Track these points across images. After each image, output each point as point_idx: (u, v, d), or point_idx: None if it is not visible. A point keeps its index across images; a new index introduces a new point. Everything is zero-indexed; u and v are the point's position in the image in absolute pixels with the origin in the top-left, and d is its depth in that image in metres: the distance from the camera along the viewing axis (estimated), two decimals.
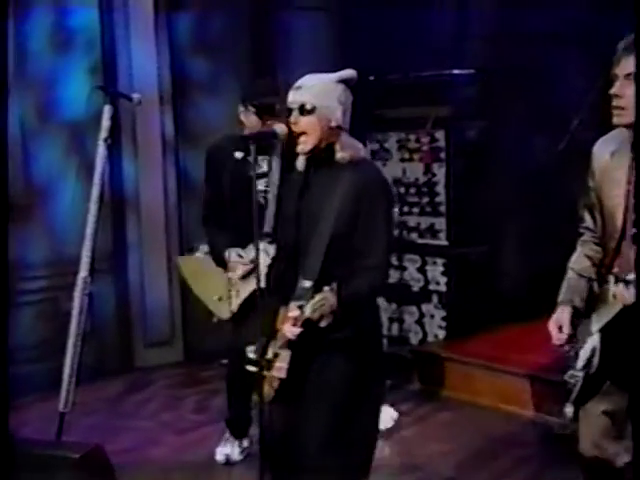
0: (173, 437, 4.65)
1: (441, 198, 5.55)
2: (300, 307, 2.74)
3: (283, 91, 3.31)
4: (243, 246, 3.97)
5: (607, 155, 2.81)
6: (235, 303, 4.02)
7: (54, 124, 5.58)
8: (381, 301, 5.48)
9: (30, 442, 3.67)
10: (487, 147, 5.57)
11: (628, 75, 2.66)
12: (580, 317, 2.87)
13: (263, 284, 2.93)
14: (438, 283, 5.59)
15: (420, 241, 5.67)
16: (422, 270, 5.67)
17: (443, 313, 5.58)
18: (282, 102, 3.23)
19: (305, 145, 2.89)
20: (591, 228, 2.95)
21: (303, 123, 2.88)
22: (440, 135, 5.51)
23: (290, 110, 2.92)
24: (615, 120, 2.72)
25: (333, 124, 2.89)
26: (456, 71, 5.46)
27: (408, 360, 5.44)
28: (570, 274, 2.97)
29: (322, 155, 2.91)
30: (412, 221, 5.72)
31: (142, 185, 5.95)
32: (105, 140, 3.88)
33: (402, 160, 5.73)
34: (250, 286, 3.85)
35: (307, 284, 2.80)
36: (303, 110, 2.88)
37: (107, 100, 3.90)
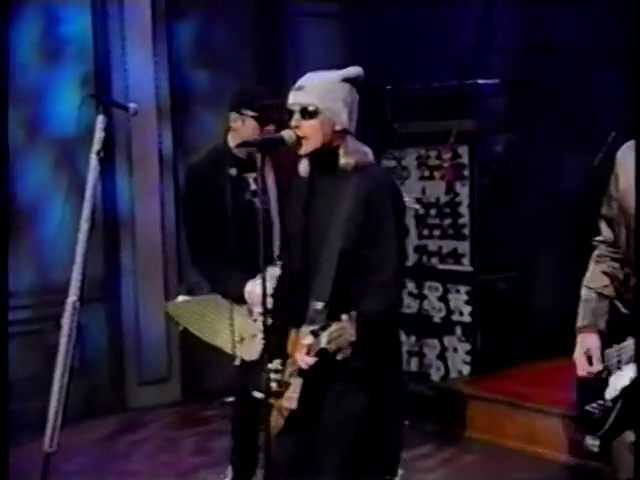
0: None
1: (464, 220, 5.53)
2: (314, 333, 2.68)
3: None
4: (254, 275, 3.79)
5: (633, 162, 2.73)
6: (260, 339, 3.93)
7: (42, 140, 5.59)
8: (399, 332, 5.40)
9: None
10: (515, 164, 5.56)
11: None
12: (604, 342, 2.80)
13: (270, 305, 2.86)
14: (462, 313, 5.55)
15: (442, 267, 5.65)
16: (444, 299, 5.63)
17: (467, 347, 5.54)
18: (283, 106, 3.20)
19: (307, 147, 2.86)
20: (609, 242, 2.90)
21: (305, 127, 2.85)
22: (463, 151, 5.50)
23: (290, 112, 2.88)
24: None
25: (338, 128, 2.87)
26: (481, 81, 5.45)
27: (429, 398, 5.38)
28: (588, 294, 2.91)
29: (325, 161, 2.88)
30: (433, 245, 5.69)
31: (137, 206, 5.94)
32: (97, 153, 3.81)
33: (422, 178, 5.72)
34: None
35: (319, 306, 2.76)
36: (305, 113, 2.85)
37: (100, 110, 3.84)
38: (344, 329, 2.62)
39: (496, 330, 5.49)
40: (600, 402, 2.74)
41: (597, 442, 2.73)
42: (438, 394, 5.40)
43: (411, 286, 5.73)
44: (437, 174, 5.62)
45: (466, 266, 5.54)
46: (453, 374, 5.58)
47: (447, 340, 5.62)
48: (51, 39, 5.66)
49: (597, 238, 2.97)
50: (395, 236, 2.81)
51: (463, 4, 5.91)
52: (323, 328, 2.66)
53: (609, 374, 2.75)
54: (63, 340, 3.74)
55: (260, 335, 3.72)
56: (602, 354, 2.81)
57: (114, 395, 5.88)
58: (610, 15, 5.41)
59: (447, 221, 5.59)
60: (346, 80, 2.89)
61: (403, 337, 5.65)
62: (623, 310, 2.80)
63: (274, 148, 3.13)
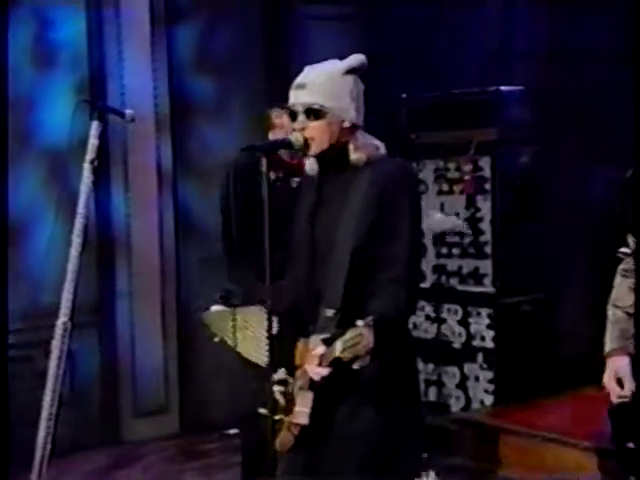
0: None
1: (486, 237, 5.50)
2: (326, 341, 2.66)
3: None
4: None
5: None
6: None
7: (32, 150, 5.59)
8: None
9: None
10: (540, 176, 5.53)
11: None
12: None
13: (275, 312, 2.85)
14: (483, 338, 5.52)
15: (461, 288, 5.61)
16: (464, 323, 5.59)
17: (490, 375, 5.49)
18: None
19: (315, 147, 2.86)
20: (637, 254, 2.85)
21: (312, 128, 2.85)
22: (485, 163, 5.48)
23: (293, 113, 2.88)
24: None
25: (346, 124, 2.87)
26: (503, 88, 5.44)
27: (449, 431, 5.31)
28: (616, 314, 2.84)
29: (335, 158, 2.88)
30: (452, 264, 5.66)
31: (134, 222, 5.93)
32: (91, 162, 3.82)
33: (440, 192, 5.69)
34: None
35: (330, 313, 2.75)
36: (310, 113, 2.85)
37: (94, 116, 3.83)
38: (361, 336, 2.58)
39: (521, 356, 5.45)
40: None
41: None
42: (460, 427, 5.33)
43: (429, 309, 5.70)
44: (456, 188, 5.59)
45: (488, 287, 5.50)
46: (475, 404, 5.53)
47: (468, 368, 5.57)
48: (43, 44, 5.67)
49: (623, 250, 2.89)
50: (409, 232, 2.79)
51: (483, 6, 5.92)
52: (336, 336, 2.63)
53: None
54: (52, 364, 3.71)
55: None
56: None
57: (107, 427, 5.84)
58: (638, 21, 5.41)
59: (467, 239, 5.56)
60: (350, 71, 2.88)
61: (420, 364, 5.60)
62: None
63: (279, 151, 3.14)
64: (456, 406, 5.61)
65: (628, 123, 5.22)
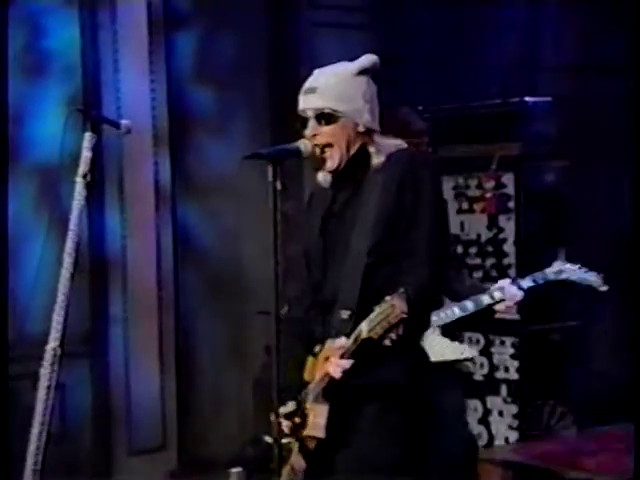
0: None
1: (510, 259, 5.47)
2: (346, 335, 2.71)
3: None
4: None
5: None
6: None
7: (21, 166, 5.58)
8: None
9: None
10: (568, 194, 5.52)
11: None
12: None
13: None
14: (507, 370, 5.48)
15: None
16: (486, 352, 5.55)
17: (515, 409, 5.45)
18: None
19: (332, 161, 2.88)
20: None
21: (325, 135, 2.90)
22: (508, 179, 5.46)
23: (303, 120, 2.91)
24: None
25: (361, 128, 2.90)
26: (528, 99, 5.43)
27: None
28: None
29: (352, 167, 2.91)
30: None
31: (129, 245, 5.92)
32: (84, 176, 3.80)
33: (460, 211, 5.68)
34: None
35: (345, 314, 2.78)
36: (322, 118, 2.88)
37: (88, 126, 3.82)
38: (392, 307, 2.62)
39: (548, 390, 5.40)
40: None
41: None
42: (482, 465, 5.24)
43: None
44: (478, 206, 5.58)
45: (512, 313, 5.29)
46: (498, 441, 5.49)
47: (490, 401, 5.53)
48: (33, 53, 5.67)
49: None
50: (430, 217, 2.83)
51: (505, 13, 5.94)
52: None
53: None
54: (41, 393, 3.67)
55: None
56: None
57: (99, 464, 5.80)
58: None
59: (490, 261, 5.54)
60: (361, 72, 2.91)
61: None
62: None
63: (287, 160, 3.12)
64: (478, 443, 5.43)
65: None
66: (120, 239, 5.88)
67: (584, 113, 5.57)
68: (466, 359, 4.25)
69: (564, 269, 4.02)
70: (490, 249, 5.52)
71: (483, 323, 4.19)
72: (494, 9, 5.94)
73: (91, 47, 5.81)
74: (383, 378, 2.78)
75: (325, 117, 2.86)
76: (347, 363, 2.74)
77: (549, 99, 5.45)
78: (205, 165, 6.05)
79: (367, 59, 2.94)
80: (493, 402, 5.50)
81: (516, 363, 5.41)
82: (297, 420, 2.76)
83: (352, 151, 2.89)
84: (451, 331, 4.08)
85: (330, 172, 2.91)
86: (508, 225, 5.45)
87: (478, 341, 5.55)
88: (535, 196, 5.45)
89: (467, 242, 5.62)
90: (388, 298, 2.66)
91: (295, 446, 2.78)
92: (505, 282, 3.93)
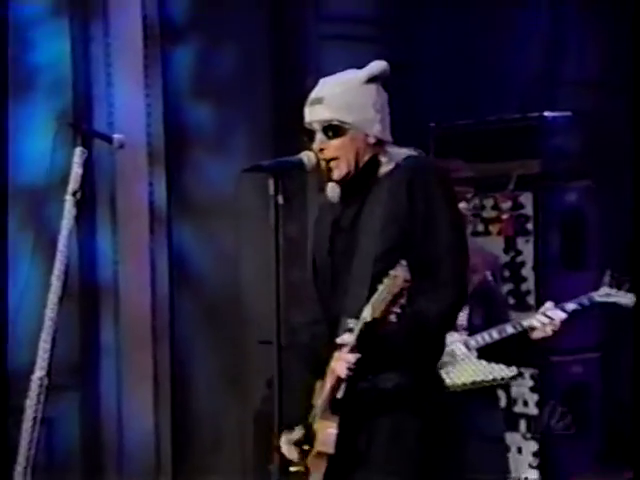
0: None
1: (529, 285, 5.47)
2: (349, 330, 2.74)
3: None
4: None
5: None
6: None
7: (7, 185, 5.54)
8: None
9: None
10: (591, 215, 5.52)
11: None
12: None
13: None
14: (526, 404, 5.45)
15: None
16: (504, 385, 5.29)
17: (535, 446, 5.41)
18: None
19: (339, 171, 2.89)
20: None
21: (333, 148, 2.92)
22: (526, 199, 5.46)
23: (309, 132, 2.92)
24: None
25: (371, 140, 2.91)
26: (548, 114, 5.44)
27: None
28: None
29: (361, 179, 2.92)
30: None
31: (122, 269, 5.92)
32: (74, 194, 3.83)
33: (475, 234, 5.58)
34: None
35: (352, 324, 2.77)
36: (330, 130, 2.89)
37: (78, 141, 3.85)
38: (395, 277, 2.62)
39: (572, 424, 5.38)
40: None
41: None
42: None
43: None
44: (494, 228, 5.57)
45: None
46: None
47: (509, 438, 5.31)
48: (21, 67, 5.67)
49: None
50: (449, 228, 2.82)
51: (524, 22, 5.96)
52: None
53: None
54: (26, 426, 3.69)
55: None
56: None
57: None
58: None
59: (507, 287, 5.49)
60: (371, 80, 2.91)
61: None
62: None
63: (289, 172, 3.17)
64: None
65: None
66: (112, 263, 5.88)
67: (607, 129, 5.60)
68: (509, 377, 4.25)
69: (611, 293, 4.04)
70: (507, 274, 5.49)
71: (522, 354, 4.20)
72: (511, 18, 5.97)
73: (82, 60, 5.84)
74: (391, 383, 2.78)
75: (333, 129, 2.87)
76: (353, 357, 2.73)
77: (570, 114, 5.47)
78: (203, 184, 6.04)
79: (376, 66, 2.94)
80: (512, 439, 5.40)
81: (535, 397, 5.39)
82: (306, 447, 2.76)
83: (361, 163, 2.89)
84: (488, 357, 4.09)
85: (337, 183, 2.91)
86: (526, 248, 5.45)
87: None
88: (555, 217, 5.46)
89: None
90: (391, 272, 2.66)
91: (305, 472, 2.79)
92: (549, 304, 3.99)
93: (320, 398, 2.80)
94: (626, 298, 4.05)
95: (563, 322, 3.97)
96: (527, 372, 5.39)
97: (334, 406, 2.73)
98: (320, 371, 2.84)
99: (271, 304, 2.85)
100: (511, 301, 5.46)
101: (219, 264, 6.11)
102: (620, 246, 5.56)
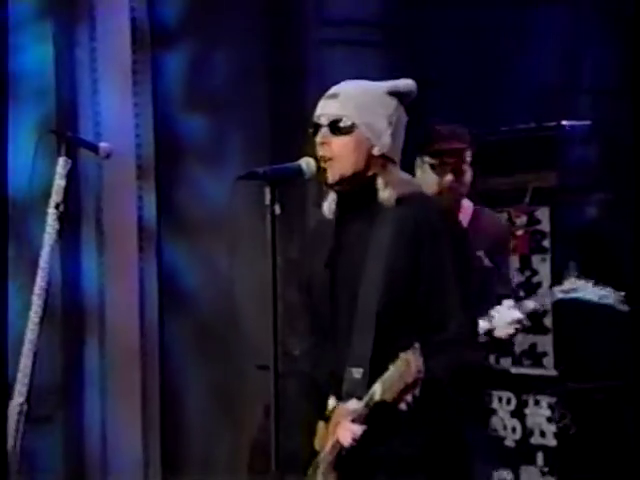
0: None
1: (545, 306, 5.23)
2: (358, 397, 2.76)
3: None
4: None
5: None
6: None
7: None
8: None
9: None
10: (613, 231, 5.50)
11: None
12: None
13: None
14: (544, 435, 5.39)
15: (515, 370, 5.51)
16: (519, 414, 5.47)
17: None
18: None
19: (332, 173, 2.92)
20: None
21: (335, 145, 2.94)
22: (543, 214, 5.44)
23: (317, 126, 2.96)
24: None
25: (376, 151, 2.95)
26: (566, 123, 5.42)
27: None
28: None
29: (358, 194, 2.96)
30: None
31: (108, 291, 5.92)
32: (57, 207, 3.82)
33: None
34: None
35: (358, 374, 2.81)
36: (336, 126, 2.94)
37: (62, 150, 3.84)
38: (408, 364, 2.65)
39: (592, 458, 5.31)
40: None
41: None
42: None
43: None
44: None
45: (549, 369, 5.42)
46: None
47: (525, 471, 5.44)
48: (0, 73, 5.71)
49: None
50: (457, 281, 2.86)
51: (541, 26, 5.98)
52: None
53: None
54: (4, 457, 3.62)
55: None
56: None
57: None
58: None
59: None
60: (393, 94, 2.98)
61: None
62: None
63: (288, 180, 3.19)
64: None
65: None
66: (98, 282, 5.88)
67: (629, 140, 5.50)
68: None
69: (577, 287, 3.98)
70: (522, 294, 5.30)
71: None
72: (527, 21, 5.98)
73: (67, 66, 5.85)
74: (399, 450, 2.80)
75: (339, 126, 2.92)
76: (359, 429, 2.76)
77: (589, 123, 5.46)
78: (196, 199, 6.06)
79: (403, 82, 3.03)
80: (528, 472, 5.43)
81: (553, 427, 5.35)
82: None
83: (363, 177, 2.92)
84: None
85: (331, 187, 2.95)
86: (543, 267, 5.42)
87: (509, 401, 5.49)
88: (574, 233, 5.44)
89: None
90: (402, 354, 2.69)
91: None
92: (508, 302, 4.01)
93: (323, 452, 2.83)
94: (605, 292, 3.97)
95: (519, 323, 3.99)
96: (544, 400, 5.37)
97: (337, 465, 2.78)
98: (322, 405, 2.87)
99: (268, 327, 2.84)
100: (526, 322, 5.47)
101: (213, 284, 6.10)
102: None
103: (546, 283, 5.39)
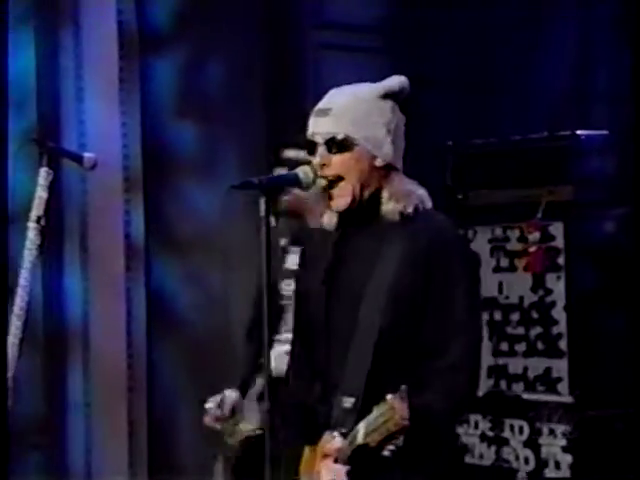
0: None
1: (561, 328, 5.42)
2: (343, 434, 2.76)
3: None
4: None
5: None
6: None
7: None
8: None
9: None
10: (632, 248, 5.43)
11: None
12: None
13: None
14: (559, 466, 5.38)
15: (528, 397, 5.51)
16: (532, 444, 5.46)
17: None
18: None
19: (343, 200, 2.94)
20: None
21: (335, 165, 2.95)
22: (557, 230, 5.43)
23: (312, 144, 2.98)
24: None
25: (379, 162, 2.96)
26: (581, 132, 5.42)
27: None
28: None
29: (363, 209, 2.97)
30: (515, 365, 5.59)
31: (93, 312, 5.90)
32: (37, 221, 3.82)
33: (497, 269, 5.65)
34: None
35: (348, 403, 2.81)
36: (333, 145, 2.95)
37: (44, 161, 3.85)
38: (392, 410, 2.64)
39: None
40: None
41: None
42: None
43: (484, 426, 5.59)
44: (520, 263, 5.53)
45: (564, 396, 5.39)
46: None
47: None
48: None
49: None
50: (466, 307, 2.87)
51: (554, 29, 6.00)
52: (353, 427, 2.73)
53: None
54: None
55: None
56: None
57: None
58: None
59: (535, 330, 5.48)
60: (387, 96, 2.98)
61: None
62: None
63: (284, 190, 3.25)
64: None
65: None
66: (82, 303, 5.86)
67: None
68: None
69: None
70: (535, 316, 5.48)
71: None
72: (538, 22, 5.99)
73: (50, 73, 5.85)
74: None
75: (337, 144, 2.93)
76: (341, 469, 2.76)
77: (606, 133, 5.46)
78: (186, 214, 6.06)
79: (395, 81, 3.02)
80: None
81: (569, 458, 5.34)
82: None
83: (367, 190, 2.94)
84: None
85: (341, 211, 2.96)
86: (557, 286, 5.41)
87: (522, 429, 5.49)
88: (590, 250, 5.43)
89: (507, 307, 5.57)
90: (389, 398, 2.68)
91: None
92: None
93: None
94: None
95: None
96: (559, 429, 5.37)
97: None
98: (313, 437, 2.87)
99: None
100: (541, 346, 5.46)
101: (205, 306, 6.10)
102: None
103: (560, 303, 5.39)
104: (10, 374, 3.76)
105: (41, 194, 3.79)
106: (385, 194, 2.96)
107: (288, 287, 3.82)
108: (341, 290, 2.96)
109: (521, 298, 5.53)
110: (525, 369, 5.51)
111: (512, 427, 5.52)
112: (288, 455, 2.94)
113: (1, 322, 3.54)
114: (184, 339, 6.04)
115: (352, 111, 2.95)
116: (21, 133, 5.64)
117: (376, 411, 2.68)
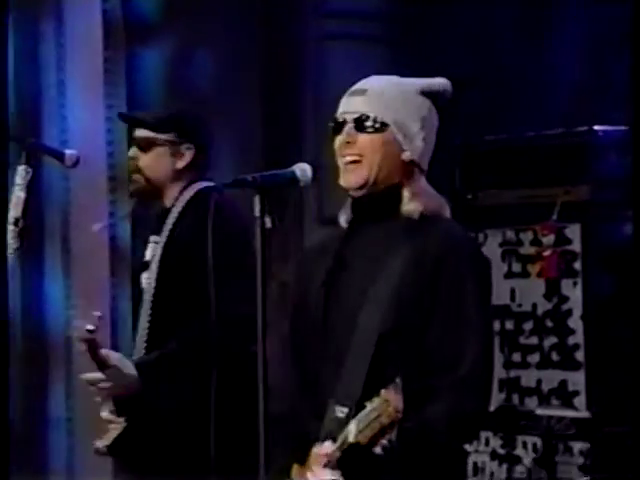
0: None
1: (577, 338, 5.41)
2: (333, 439, 2.78)
3: None
4: None
5: None
6: None
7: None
8: None
9: None
10: None
11: None
12: None
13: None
14: None
15: (542, 412, 5.49)
16: (547, 462, 5.44)
17: None
18: None
19: (358, 176, 2.94)
20: None
21: (362, 144, 2.97)
22: (573, 232, 5.43)
23: (339, 124, 2.98)
24: None
25: (406, 156, 2.99)
26: (598, 128, 5.43)
27: None
28: None
29: (378, 205, 2.99)
30: (528, 378, 5.56)
31: (77, 323, 5.66)
32: (16, 223, 3.85)
33: (509, 275, 5.63)
34: None
35: (342, 412, 2.83)
36: (363, 124, 2.96)
37: (22, 158, 3.88)
38: (387, 402, 2.65)
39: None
40: None
41: None
42: None
43: (495, 443, 5.57)
44: (533, 268, 5.51)
45: (581, 411, 5.39)
46: None
47: None
48: None
49: None
50: (478, 316, 2.89)
51: (570, 19, 6.00)
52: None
53: None
54: None
55: None
56: None
57: None
58: None
59: (550, 340, 5.47)
60: (426, 94, 3.04)
61: None
62: None
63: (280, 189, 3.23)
64: None
65: None
66: (64, 310, 5.89)
67: None
68: None
69: None
70: (550, 325, 5.47)
71: None
72: (553, 14, 6.00)
73: (29, 65, 5.90)
74: None
75: (366, 124, 2.95)
76: (330, 475, 2.78)
77: (625, 128, 5.35)
78: None
79: (438, 81, 3.09)
80: None
81: (587, 478, 5.30)
82: None
83: (385, 182, 2.95)
84: None
85: (354, 190, 2.96)
86: (573, 293, 5.41)
87: (535, 446, 5.47)
88: (609, 254, 5.43)
89: (519, 316, 5.54)
90: (383, 391, 2.69)
91: None
92: None
93: None
94: None
95: None
96: (576, 446, 5.35)
97: None
98: (303, 453, 2.88)
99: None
100: (556, 358, 5.45)
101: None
102: None
103: (577, 311, 5.39)
104: None
105: (19, 194, 3.82)
106: (406, 193, 2.98)
107: None
108: (342, 292, 2.97)
109: (534, 306, 5.51)
110: (539, 382, 5.50)
111: (525, 444, 5.49)
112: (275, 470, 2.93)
113: (1, 323, 3.62)
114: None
115: (388, 95, 2.99)
116: None
117: (369, 406, 2.69)
